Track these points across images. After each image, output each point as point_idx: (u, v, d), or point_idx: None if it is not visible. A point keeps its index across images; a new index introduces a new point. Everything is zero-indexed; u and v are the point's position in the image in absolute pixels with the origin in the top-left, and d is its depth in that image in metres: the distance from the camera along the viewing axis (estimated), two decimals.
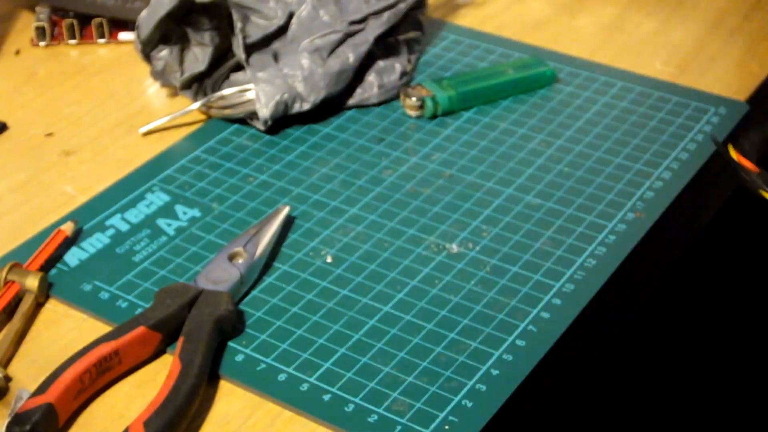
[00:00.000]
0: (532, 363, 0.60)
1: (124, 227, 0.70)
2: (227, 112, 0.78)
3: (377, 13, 0.81)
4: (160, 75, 0.81)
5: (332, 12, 0.81)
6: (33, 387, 0.57)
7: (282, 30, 0.81)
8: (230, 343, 0.61)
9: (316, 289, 0.65)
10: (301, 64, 0.78)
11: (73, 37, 0.89)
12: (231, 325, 0.61)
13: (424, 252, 0.67)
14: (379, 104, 0.81)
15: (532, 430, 0.58)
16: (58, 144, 0.78)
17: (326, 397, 0.58)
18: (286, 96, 0.77)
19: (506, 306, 0.63)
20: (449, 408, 0.57)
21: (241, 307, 0.64)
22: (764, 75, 0.84)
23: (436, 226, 0.69)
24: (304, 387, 0.59)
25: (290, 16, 0.81)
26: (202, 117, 0.80)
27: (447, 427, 0.56)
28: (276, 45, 0.80)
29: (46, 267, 0.66)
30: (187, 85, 0.80)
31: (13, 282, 0.64)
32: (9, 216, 0.72)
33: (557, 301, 0.64)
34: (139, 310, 0.63)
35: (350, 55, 0.79)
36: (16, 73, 0.87)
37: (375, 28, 0.81)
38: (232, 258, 0.65)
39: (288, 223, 0.70)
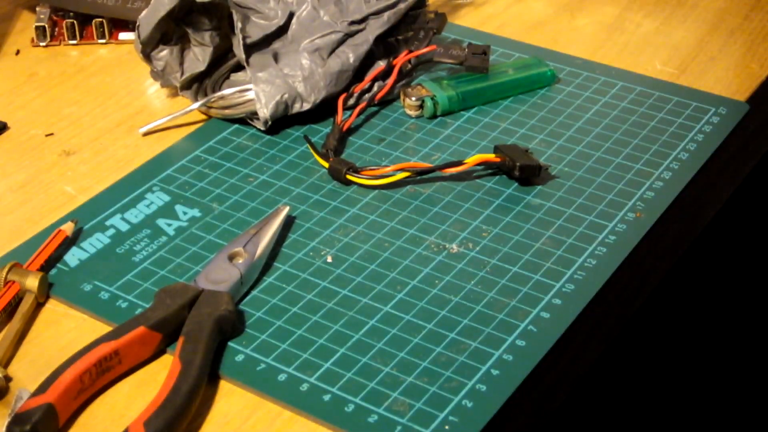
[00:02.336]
0: (533, 363, 0.60)
1: (124, 227, 0.70)
2: (227, 112, 0.78)
3: (377, 13, 0.81)
4: (160, 75, 0.81)
5: (332, 12, 0.81)
6: (33, 387, 0.57)
7: (282, 30, 0.81)
8: (230, 343, 0.61)
9: (316, 289, 0.65)
10: (302, 64, 0.78)
11: (74, 37, 0.90)
12: (231, 325, 0.61)
13: (424, 252, 0.67)
14: (379, 104, 0.81)
15: (533, 430, 0.58)
16: (58, 144, 0.78)
17: (326, 397, 0.58)
18: (286, 96, 0.77)
19: (506, 306, 0.63)
20: (449, 408, 0.57)
21: (241, 307, 0.64)
22: (764, 75, 0.84)
23: (436, 226, 0.69)
24: (304, 387, 0.59)
25: (290, 16, 0.81)
26: (202, 117, 0.80)
27: (447, 427, 0.56)
28: (276, 45, 0.80)
29: (46, 267, 0.66)
30: (187, 85, 0.80)
31: (14, 282, 0.64)
32: (9, 216, 0.72)
33: (557, 301, 0.64)
34: (139, 310, 0.63)
35: (350, 55, 0.79)
36: (16, 73, 0.87)
37: (375, 28, 0.81)
38: (232, 258, 0.65)
39: (288, 223, 0.70)
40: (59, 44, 0.90)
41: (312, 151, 0.75)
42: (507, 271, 0.66)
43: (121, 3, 0.88)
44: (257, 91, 0.76)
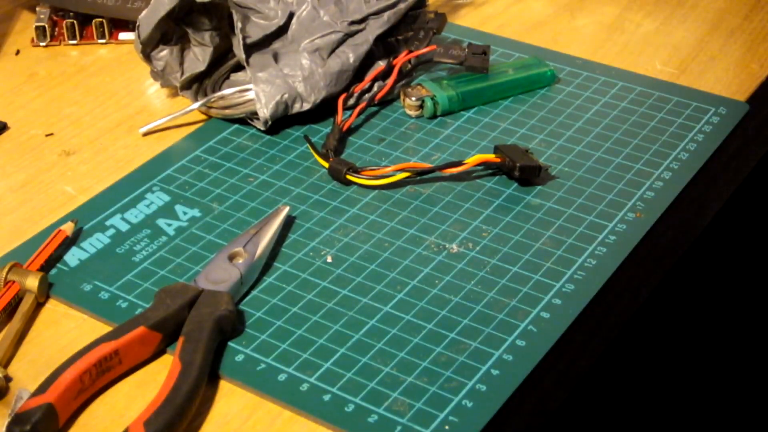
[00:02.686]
0: (533, 363, 0.60)
1: (124, 227, 0.70)
2: (227, 112, 0.78)
3: (377, 13, 0.81)
4: (160, 75, 0.81)
5: (332, 12, 0.81)
6: (33, 387, 0.57)
7: (282, 30, 0.81)
8: (230, 343, 0.61)
9: (316, 289, 0.65)
10: (302, 64, 0.78)
11: (74, 37, 0.90)
12: (231, 325, 0.61)
13: (424, 252, 0.67)
14: (379, 104, 0.81)
15: (533, 430, 0.58)
16: (58, 144, 0.78)
17: (326, 397, 0.58)
18: (286, 96, 0.77)
19: (506, 306, 0.63)
20: (449, 408, 0.57)
21: (241, 307, 0.64)
22: (764, 75, 0.84)
23: (436, 226, 0.69)
24: (304, 387, 0.59)
25: (290, 16, 0.81)
26: (202, 117, 0.80)
27: (447, 427, 0.56)
28: (276, 45, 0.80)
29: (46, 267, 0.66)
30: (187, 85, 0.80)
31: (13, 282, 0.64)
32: (9, 216, 0.72)
33: (557, 301, 0.64)
34: (139, 310, 0.63)
35: (350, 55, 0.79)
36: (16, 73, 0.87)
37: (375, 28, 0.81)
38: (232, 258, 0.65)
39: (288, 223, 0.70)
40: (59, 44, 0.90)
41: (312, 151, 0.75)
42: (507, 271, 0.66)
43: (121, 3, 0.88)
44: (257, 91, 0.76)
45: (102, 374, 0.58)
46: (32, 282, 0.64)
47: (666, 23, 0.91)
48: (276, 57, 0.79)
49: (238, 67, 0.80)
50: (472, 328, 0.62)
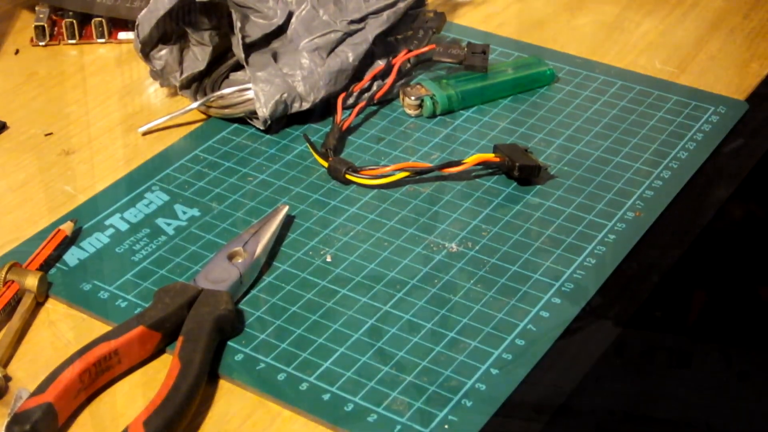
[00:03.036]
0: (532, 362, 0.60)
1: (123, 227, 0.70)
2: (226, 111, 0.78)
3: (376, 12, 0.81)
4: (159, 75, 0.81)
5: (332, 11, 0.81)
6: (32, 386, 0.57)
7: (281, 29, 0.81)
8: (230, 343, 0.61)
9: (315, 289, 0.65)
10: (301, 63, 0.78)
11: (73, 37, 0.90)
12: (230, 325, 0.61)
13: (424, 251, 0.67)
14: (378, 103, 0.81)
15: (532, 429, 0.58)
16: (58, 143, 0.78)
17: (326, 397, 0.58)
18: (285, 95, 0.77)
19: (505, 305, 0.63)
20: (449, 407, 0.57)
21: (241, 306, 0.64)
22: (764, 74, 0.84)
23: (435, 225, 0.69)
24: (304, 386, 0.59)
25: (290, 15, 0.81)
26: (202, 116, 0.80)
27: (446, 426, 0.56)
28: (275, 44, 0.80)
29: (45, 267, 0.66)
30: (186, 85, 0.80)
31: (13, 282, 0.64)
32: (9, 215, 0.72)
33: (556, 300, 0.64)
34: (138, 310, 0.63)
35: (350, 54, 0.79)
36: (16, 72, 0.87)
37: (374, 28, 0.81)
38: (231, 257, 0.65)
39: (287, 223, 0.70)
40: (58, 44, 0.90)
41: (311, 150, 0.75)
42: (506, 270, 0.66)
43: (120, 2, 0.88)
44: (256, 90, 0.76)
45: (101, 374, 0.58)
46: (31, 281, 0.64)
47: (666, 22, 0.91)
48: (275, 56, 0.79)
49: (238, 67, 0.80)
50: (472, 327, 0.62)
